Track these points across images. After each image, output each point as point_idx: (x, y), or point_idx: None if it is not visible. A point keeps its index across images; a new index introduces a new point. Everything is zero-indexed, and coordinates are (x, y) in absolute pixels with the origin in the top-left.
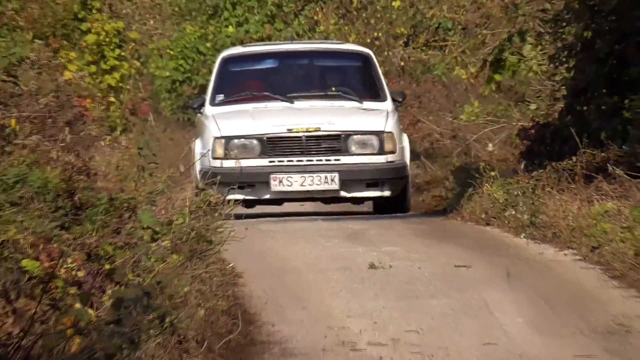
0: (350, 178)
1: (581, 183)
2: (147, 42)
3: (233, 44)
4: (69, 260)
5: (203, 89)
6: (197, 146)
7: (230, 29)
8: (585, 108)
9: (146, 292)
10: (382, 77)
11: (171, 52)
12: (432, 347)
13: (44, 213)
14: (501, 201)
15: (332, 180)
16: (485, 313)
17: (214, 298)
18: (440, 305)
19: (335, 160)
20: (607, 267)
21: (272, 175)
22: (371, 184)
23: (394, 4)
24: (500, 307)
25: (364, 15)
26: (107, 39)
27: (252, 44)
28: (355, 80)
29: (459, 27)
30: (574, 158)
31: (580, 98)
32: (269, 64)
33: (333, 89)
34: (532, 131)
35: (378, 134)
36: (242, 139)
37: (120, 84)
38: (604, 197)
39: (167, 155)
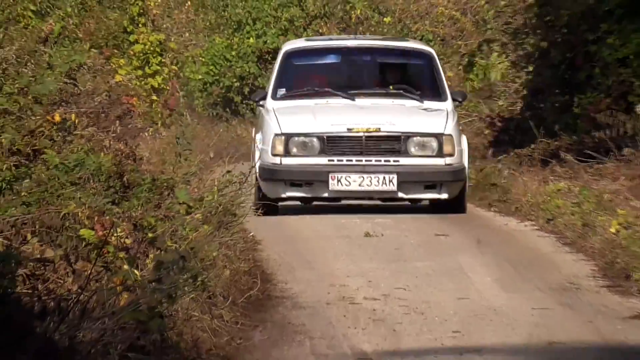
0: (409, 180)
1: (539, 166)
2: (183, 51)
3: (253, 52)
4: (119, 230)
5: (229, 89)
6: (258, 141)
7: (251, 40)
8: (541, 105)
9: (182, 256)
10: (443, 76)
11: (203, 59)
12: (417, 301)
13: (98, 191)
14: (473, 181)
15: (391, 181)
16: (459, 273)
17: (238, 261)
18: (424, 267)
19: (394, 161)
20: (560, 235)
21: (330, 174)
22: (429, 186)
23: (385, 19)
24: (472, 269)
25: (360, 28)
26: (150, 49)
27: (314, 37)
28: (417, 78)
29: (439, 38)
30: (532, 146)
31: (537, 97)
32: (331, 59)
33: (390, 87)
34: (499, 124)
35: (437, 136)
36: (302, 137)
37: (161, 86)
38: (557, 178)
39: (199, 143)
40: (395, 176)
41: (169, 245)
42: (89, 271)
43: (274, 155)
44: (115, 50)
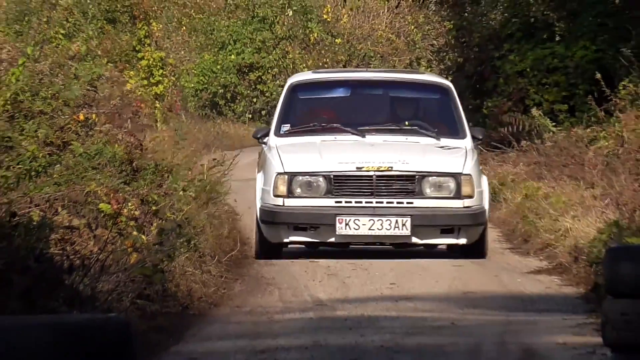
0: (423, 223)
1: None
2: (180, 65)
3: (234, 66)
4: (130, 204)
5: (215, 94)
6: (259, 181)
7: (232, 56)
8: None
9: (178, 224)
10: (462, 111)
11: (195, 72)
12: (362, 260)
13: (113, 174)
14: None
15: (404, 225)
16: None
17: (222, 228)
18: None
19: (408, 203)
20: None
21: (338, 217)
22: (446, 230)
23: (336, 41)
24: None
25: (317, 48)
26: (154, 63)
27: (322, 70)
28: (433, 114)
29: (378, 55)
30: None
31: None
32: (340, 93)
33: (407, 123)
34: None
35: (455, 176)
36: (307, 176)
37: (163, 93)
38: None
39: (192, 137)
40: (408, 219)
41: (168, 216)
42: (107, 236)
43: (276, 196)
44: (127, 65)
